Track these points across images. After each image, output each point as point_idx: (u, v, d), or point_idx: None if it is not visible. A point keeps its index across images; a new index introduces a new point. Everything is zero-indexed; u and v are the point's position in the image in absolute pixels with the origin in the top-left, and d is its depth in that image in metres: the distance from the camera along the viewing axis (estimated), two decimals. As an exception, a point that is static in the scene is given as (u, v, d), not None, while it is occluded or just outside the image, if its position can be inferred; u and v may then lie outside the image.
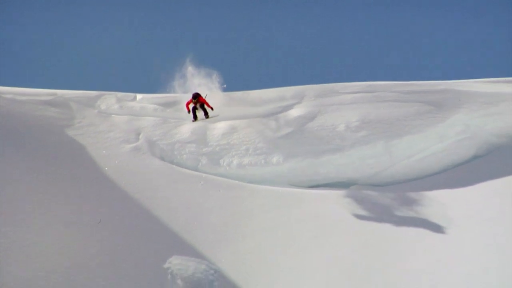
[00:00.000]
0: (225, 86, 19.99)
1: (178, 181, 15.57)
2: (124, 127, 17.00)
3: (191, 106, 17.77)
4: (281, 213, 15.05)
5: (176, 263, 13.33)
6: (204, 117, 17.91)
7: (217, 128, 17.01)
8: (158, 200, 14.67)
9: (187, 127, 17.02)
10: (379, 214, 15.04)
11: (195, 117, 17.77)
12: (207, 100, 18.01)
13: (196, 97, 17.69)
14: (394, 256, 12.99)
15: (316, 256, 13.72)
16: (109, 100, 18.76)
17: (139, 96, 19.62)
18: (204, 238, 14.13)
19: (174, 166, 16.06)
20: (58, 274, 10.93)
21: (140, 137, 16.66)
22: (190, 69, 20.40)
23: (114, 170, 15.03)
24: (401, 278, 12.08)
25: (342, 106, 17.06)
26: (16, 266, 10.41)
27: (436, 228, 14.46)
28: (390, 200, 15.68)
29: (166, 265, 13.06)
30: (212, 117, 17.89)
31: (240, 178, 16.05)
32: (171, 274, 12.94)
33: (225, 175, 16.05)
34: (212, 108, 17.91)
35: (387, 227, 14.49)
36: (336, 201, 15.53)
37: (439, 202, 15.37)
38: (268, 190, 15.95)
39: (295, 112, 17.17)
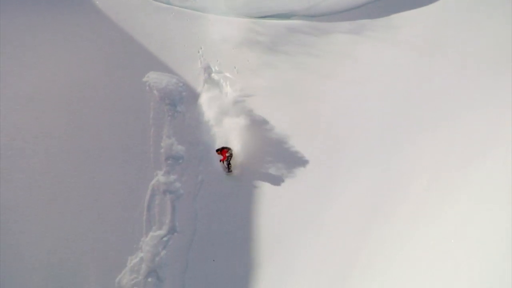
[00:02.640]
0: None
1: (153, 12, 18.49)
2: (112, -31, 18.83)
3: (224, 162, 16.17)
4: (235, 35, 18.29)
5: (153, 77, 16.45)
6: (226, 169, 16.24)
7: (186, -29, 18.87)
8: (138, 27, 17.91)
9: (163, -30, 18.96)
10: (310, 40, 18.46)
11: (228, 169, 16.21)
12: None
13: (219, 150, 16.00)
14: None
15: (264, 71, 18.02)
16: None
17: None
18: (175, 57, 17.57)
19: (151, 0, 18.81)
20: (50, 95, 15.09)
21: (124, -24, 18.72)
22: None
23: (103, 3, 18.15)
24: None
25: (284, -45, 18.45)
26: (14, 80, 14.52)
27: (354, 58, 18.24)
28: (320, 30, 18.49)
29: (144, 79, 16.36)
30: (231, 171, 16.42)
31: (203, 10, 18.80)
32: (148, 86, 16.25)
33: (191, 8, 18.85)
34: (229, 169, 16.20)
35: (314, 52, 18.36)
36: (280, 28, 18.51)
37: (362, 29, 18.50)
38: (226, 20, 18.76)
39: (246, -41, 18.53)
